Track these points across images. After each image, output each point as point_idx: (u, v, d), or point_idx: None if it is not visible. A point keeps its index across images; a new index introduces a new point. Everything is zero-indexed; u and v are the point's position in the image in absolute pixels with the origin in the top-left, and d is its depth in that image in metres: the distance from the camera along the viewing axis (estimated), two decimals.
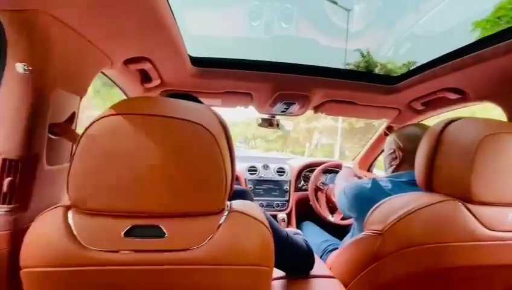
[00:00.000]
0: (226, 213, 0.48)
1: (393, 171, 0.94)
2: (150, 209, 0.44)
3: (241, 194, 0.69)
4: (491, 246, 0.60)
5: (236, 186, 0.69)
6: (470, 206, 0.61)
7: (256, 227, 0.49)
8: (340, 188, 1.05)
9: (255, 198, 1.60)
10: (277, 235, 0.70)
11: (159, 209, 0.44)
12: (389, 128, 1.46)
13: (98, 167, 0.42)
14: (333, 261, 0.90)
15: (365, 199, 0.84)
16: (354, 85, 1.11)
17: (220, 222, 0.46)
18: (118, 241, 0.43)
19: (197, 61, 0.99)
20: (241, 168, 1.66)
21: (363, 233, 0.75)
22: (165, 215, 0.45)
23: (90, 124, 0.43)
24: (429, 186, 0.68)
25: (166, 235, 0.44)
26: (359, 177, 1.65)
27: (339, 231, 1.49)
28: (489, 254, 0.61)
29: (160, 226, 0.44)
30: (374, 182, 0.86)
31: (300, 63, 1.06)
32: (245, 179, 1.61)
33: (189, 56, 0.95)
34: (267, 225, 0.51)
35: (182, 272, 0.44)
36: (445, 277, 0.67)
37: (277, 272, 0.78)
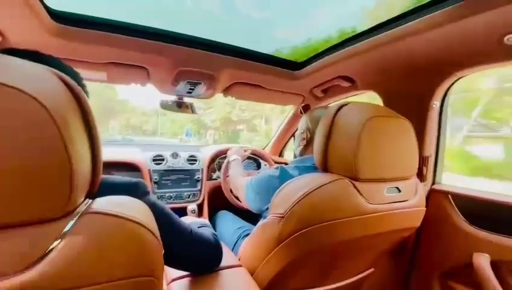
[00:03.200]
0: (75, 217, 0.34)
1: (300, 152, 0.96)
2: None
3: (125, 189, 0.54)
4: (373, 218, 0.67)
5: (120, 179, 0.54)
6: (356, 183, 0.66)
7: (126, 229, 0.37)
8: (243, 182, 0.99)
9: (161, 190, 1.43)
10: (177, 233, 0.60)
11: None
12: (305, 108, 1.51)
13: None
14: (242, 248, 0.88)
15: (274, 189, 0.81)
16: (261, 68, 1.08)
17: (65, 230, 0.33)
18: None
19: (60, 16, 0.73)
20: (144, 158, 1.44)
21: (268, 218, 0.74)
22: None
23: None
24: (325, 167, 0.72)
25: None
26: (247, 159, 1.65)
27: (256, 217, 1.50)
28: (371, 225, 0.69)
29: None
30: (282, 170, 0.85)
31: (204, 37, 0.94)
32: (149, 170, 1.41)
33: (46, 6, 0.69)
34: (147, 224, 0.39)
35: None
36: (338, 250, 0.72)
37: (178, 272, 0.69)
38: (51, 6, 0.71)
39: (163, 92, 1.20)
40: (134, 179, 0.57)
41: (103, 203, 0.38)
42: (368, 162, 0.65)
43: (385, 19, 0.76)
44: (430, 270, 0.95)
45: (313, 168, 0.84)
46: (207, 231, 0.73)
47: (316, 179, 0.68)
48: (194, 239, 0.64)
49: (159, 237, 0.42)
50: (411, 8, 0.71)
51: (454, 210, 0.88)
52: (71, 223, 0.33)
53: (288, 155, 2.00)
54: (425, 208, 0.80)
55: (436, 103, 0.87)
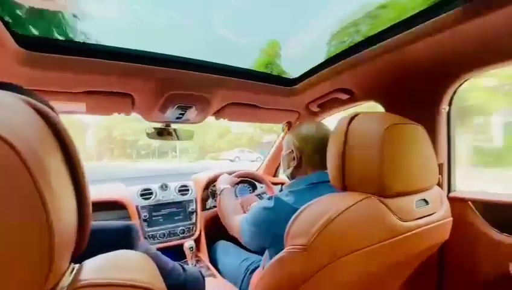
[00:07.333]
0: None
1: (292, 173, 0.89)
2: None
3: (116, 237, 0.45)
4: (406, 238, 0.60)
5: (106, 224, 0.45)
6: (385, 200, 0.59)
7: None
8: (237, 223, 0.91)
9: (152, 228, 1.28)
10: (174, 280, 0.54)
11: None
12: (288, 125, 1.46)
13: None
14: (256, 287, 0.76)
15: (273, 223, 0.75)
16: (255, 86, 1.02)
17: None
18: None
19: (28, 42, 0.63)
20: (129, 193, 1.29)
21: (285, 251, 0.63)
22: None
23: None
24: (343, 185, 0.64)
25: None
26: (241, 183, 1.57)
27: None
28: (405, 246, 0.61)
29: None
30: (276, 200, 0.78)
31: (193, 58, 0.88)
32: (137, 207, 1.26)
33: (12, 31, 0.59)
34: (152, 285, 0.29)
35: None
36: (371, 277, 0.63)
37: None
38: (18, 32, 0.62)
39: (149, 120, 1.10)
40: (122, 223, 0.49)
41: (94, 269, 0.28)
42: (394, 174, 0.59)
43: (385, 27, 0.74)
44: (460, 288, 0.88)
45: (311, 189, 0.78)
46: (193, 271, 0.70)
47: (337, 200, 0.60)
48: (188, 279, 0.61)
49: None
50: (411, 14, 0.70)
51: (478, 218, 0.83)
52: None
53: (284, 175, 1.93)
54: (451, 219, 0.74)
55: (444, 108, 0.85)
